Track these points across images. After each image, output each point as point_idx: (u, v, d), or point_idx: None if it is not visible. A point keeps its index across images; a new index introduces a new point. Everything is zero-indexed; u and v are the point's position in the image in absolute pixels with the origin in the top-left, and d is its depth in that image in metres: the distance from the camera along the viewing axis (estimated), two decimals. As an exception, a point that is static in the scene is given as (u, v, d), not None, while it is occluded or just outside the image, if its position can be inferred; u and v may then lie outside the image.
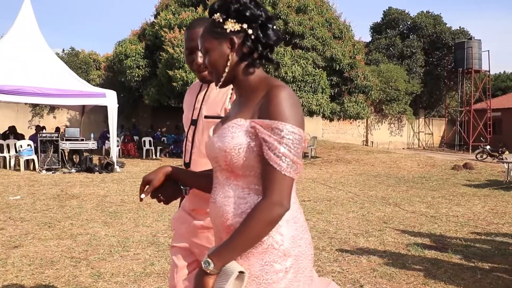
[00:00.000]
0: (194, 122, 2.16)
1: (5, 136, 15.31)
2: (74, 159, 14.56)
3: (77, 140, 14.46)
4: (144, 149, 18.59)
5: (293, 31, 17.17)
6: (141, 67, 18.42)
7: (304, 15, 17.80)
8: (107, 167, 13.26)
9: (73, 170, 13.28)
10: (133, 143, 19.58)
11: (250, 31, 1.50)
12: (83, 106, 16.58)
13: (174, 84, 16.39)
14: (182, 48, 16.22)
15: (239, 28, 1.50)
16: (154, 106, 20.27)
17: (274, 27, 1.54)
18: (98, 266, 4.46)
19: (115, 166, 13.48)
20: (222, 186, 1.52)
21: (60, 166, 13.49)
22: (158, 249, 5.09)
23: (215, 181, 1.57)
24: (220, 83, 1.58)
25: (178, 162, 16.69)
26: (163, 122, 23.34)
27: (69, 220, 6.55)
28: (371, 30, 36.89)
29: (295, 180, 1.44)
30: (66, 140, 14.21)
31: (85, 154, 14.40)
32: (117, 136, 15.40)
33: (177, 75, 16.16)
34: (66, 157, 14.27)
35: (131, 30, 21.03)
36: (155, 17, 19.47)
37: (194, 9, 17.87)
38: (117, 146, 15.83)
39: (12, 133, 15.61)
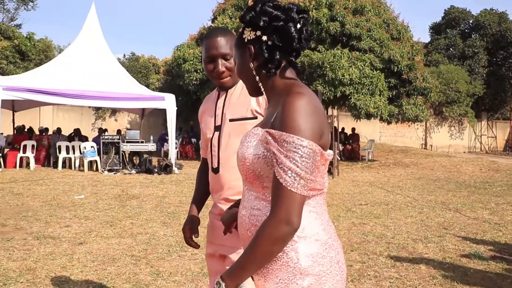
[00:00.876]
0: (218, 128, 2.17)
1: (70, 138, 16.02)
2: (134, 161, 15.02)
3: (137, 142, 14.90)
4: (202, 151, 18.85)
5: (350, 33, 16.96)
6: (198, 71, 18.76)
7: (361, 16, 17.55)
8: (166, 169, 13.60)
9: (133, 171, 13.71)
10: (190, 145, 19.96)
11: (264, 38, 1.45)
12: (143, 109, 17.10)
13: (231, 88, 16.57)
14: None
15: (254, 37, 1.47)
16: (211, 109, 20.53)
17: (298, 25, 1.44)
18: (157, 265, 4.59)
19: (174, 168, 13.80)
20: (244, 196, 1.50)
21: (121, 167, 13.97)
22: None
23: (242, 191, 1.54)
24: (251, 93, 1.58)
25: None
26: (220, 125, 23.59)
27: (130, 219, 6.77)
28: (431, 30, 35.87)
29: (314, 194, 1.38)
30: (127, 142, 14.68)
31: (145, 156, 14.83)
32: (176, 138, 15.76)
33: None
34: (127, 159, 14.75)
35: (189, 34, 21.47)
36: (213, 21, 19.79)
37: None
38: (176, 148, 16.20)
39: (77, 135, 16.31)
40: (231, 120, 2.11)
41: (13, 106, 17.20)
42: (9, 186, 10.11)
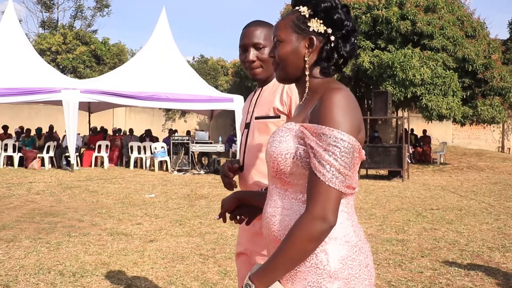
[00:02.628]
0: (247, 126, 2.13)
1: (141, 138, 16.60)
2: (203, 161, 15.33)
3: (206, 143, 15.19)
4: (268, 152, 18.94)
5: (421, 31, 16.44)
6: (266, 72, 18.85)
7: (433, 14, 16.96)
8: (233, 169, 13.74)
9: (202, 172, 13.99)
10: (257, 145, 20.07)
11: (332, 38, 1.41)
12: (212, 110, 17.41)
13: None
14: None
15: (323, 31, 1.40)
16: (278, 110, 20.62)
17: (355, 40, 1.45)
18: (225, 265, 4.64)
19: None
20: (272, 195, 1.44)
21: (190, 168, 14.30)
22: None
23: (268, 189, 1.48)
24: (282, 79, 1.50)
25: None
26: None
27: (198, 219, 6.90)
28: (510, 26, 34.06)
29: (348, 193, 1.32)
30: (196, 143, 15.00)
31: (213, 156, 15.09)
32: (243, 139, 15.88)
33: (301, 79, 16.28)
34: (196, 159, 15.08)
35: (256, 36, 21.61)
36: (280, 23, 19.83)
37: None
38: (243, 149, 16.32)
39: (148, 136, 16.87)
40: (256, 118, 2.08)
41: (89, 108, 18.07)
42: (85, 184, 10.61)
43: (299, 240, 1.25)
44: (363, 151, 1.35)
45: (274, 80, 2.06)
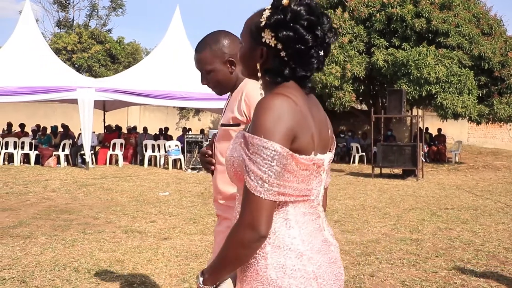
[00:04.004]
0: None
1: (156, 137, 16.69)
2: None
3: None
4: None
5: (436, 29, 16.29)
6: (279, 71, 18.81)
7: (449, 11, 16.80)
8: (246, 168, 13.76)
9: (215, 170, 14.01)
10: (272, 145, 20.06)
11: (282, 54, 1.32)
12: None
13: (314, 87, 16.50)
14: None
15: (272, 45, 1.33)
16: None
17: (321, 53, 1.34)
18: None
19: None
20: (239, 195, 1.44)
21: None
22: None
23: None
24: (245, 75, 1.50)
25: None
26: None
27: (212, 217, 6.93)
28: (527, 25, 33.58)
29: (291, 201, 1.30)
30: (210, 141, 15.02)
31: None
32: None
33: (316, 78, 16.25)
34: (210, 157, 15.11)
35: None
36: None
37: (333, 12, 17.84)
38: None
39: (162, 134, 16.96)
40: (221, 125, 2.13)
41: (104, 106, 18.21)
42: (100, 182, 10.71)
43: (232, 245, 1.27)
44: (318, 157, 1.33)
45: (240, 85, 2.10)
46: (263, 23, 1.32)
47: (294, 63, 1.33)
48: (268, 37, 1.32)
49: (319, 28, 1.31)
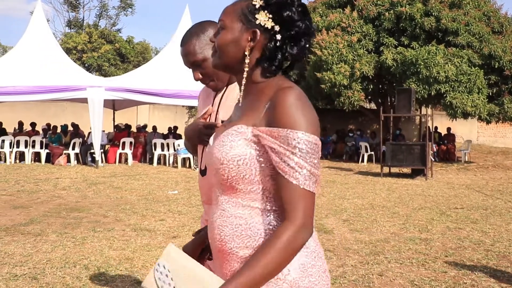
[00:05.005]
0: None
1: (165, 135, 16.76)
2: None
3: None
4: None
5: (446, 28, 16.21)
6: (288, 70, 18.80)
7: (459, 10, 16.70)
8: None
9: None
10: (279, 143, 20.06)
11: (278, 36, 1.27)
12: (234, 108, 17.45)
13: (322, 86, 16.53)
14: (330, 50, 16.30)
15: (270, 27, 1.27)
16: (301, 107, 20.60)
17: (307, 45, 1.32)
18: (247, 261, 4.67)
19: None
20: (220, 203, 1.32)
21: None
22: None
23: (213, 197, 1.37)
24: (216, 66, 1.38)
25: (324, 164, 16.76)
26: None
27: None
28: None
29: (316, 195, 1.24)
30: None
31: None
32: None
33: (325, 77, 16.25)
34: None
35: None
36: (303, 20, 19.77)
37: (341, 11, 17.81)
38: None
39: (171, 133, 17.02)
40: (223, 122, 1.90)
41: (114, 105, 18.30)
42: (110, 180, 10.77)
43: (284, 252, 1.17)
44: None
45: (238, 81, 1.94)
46: (258, 5, 1.27)
47: (286, 48, 1.29)
48: (265, 19, 1.27)
49: (307, 17, 1.31)
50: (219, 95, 2.01)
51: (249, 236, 1.25)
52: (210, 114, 2.00)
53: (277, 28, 1.27)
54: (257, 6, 1.28)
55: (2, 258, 4.59)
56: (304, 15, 1.29)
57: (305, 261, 1.25)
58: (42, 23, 15.97)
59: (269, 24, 1.27)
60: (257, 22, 1.27)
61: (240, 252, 1.26)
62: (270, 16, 1.27)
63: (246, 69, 1.31)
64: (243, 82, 1.32)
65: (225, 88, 2.00)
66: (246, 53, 1.30)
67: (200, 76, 1.95)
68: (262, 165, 1.25)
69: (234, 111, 1.41)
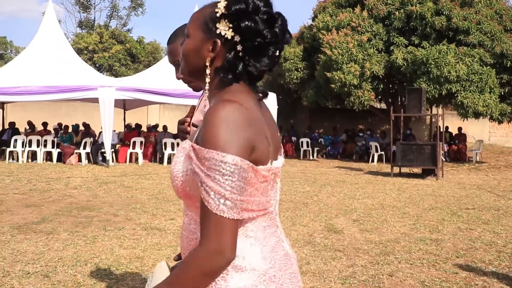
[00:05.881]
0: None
1: (175, 135, 16.79)
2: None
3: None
4: (302, 149, 18.98)
5: (457, 27, 16.09)
6: (299, 70, 18.82)
7: (470, 8, 16.58)
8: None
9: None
10: (291, 143, 20.09)
11: (239, 47, 1.21)
12: (244, 107, 17.48)
13: (332, 85, 16.49)
14: (340, 49, 16.26)
15: (229, 37, 1.20)
16: (311, 107, 20.62)
17: (276, 53, 1.25)
18: (257, 261, 4.67)
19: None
20: (184, 215, 1.33)
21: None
22: (314, 249, 5.17)
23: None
24: (182, 74, 1.36)
25: (334, 163, 16.75)
26: (321, 124, 23.61)
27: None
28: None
29: (252, 216, 1.19)
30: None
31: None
32: (275, 136, 15.90)
33: (335, 76, 16.21)
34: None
35: (289, 33, 21.60)
36: (313, 19, 19.75)
37: (351, 10, 17.75)
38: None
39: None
40: (192, 125, 1.97)
41: (124, 105, 18.41)
42: (120, 180, 10.83)
43: (193, 274, 1.13)
44: (274, 165, 1.24)
45: None
46: (220, 13, 1.20)
47: (249, 59, 1.22)
48: (224, 28, 1.20)
49: (276, 25, 1.23)
50: (200, 98, 2.01)
51: None
52: (193, 113, 2.02)
53: (237, 38, 1.20)
54: (218, 15, 1.21)
55: (15, 256, 4.64)
56: (271, 23, 1.22)
57: (250, 284, 1.18)
58: (54, 24, 16.11)
59: (229, 34, 1.20)
60: (218, 31, 1.21)
61: None
62: (231, 25, 1.20)
63: (207, 80, 1.25)
64: (206, 93, 1.28)
65: (202, 94, 1.99)
66: (207, 63, 1.25)
67: (181, 76, 1.94)
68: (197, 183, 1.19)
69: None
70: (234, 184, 1.11)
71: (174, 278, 1.17)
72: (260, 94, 1.31)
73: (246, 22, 1.19)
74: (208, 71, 1.25)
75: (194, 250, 1.15)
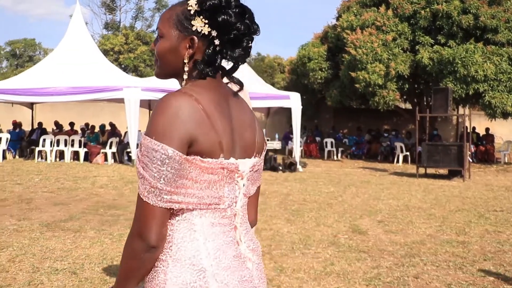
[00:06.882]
0: None
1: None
2: (259, 158, 15.42)
3: (262, 140, 15.24)
4: (326, 150, 18.89)
5: (484, 25, 15.80)
6: (323, 69, 18.76)
7: (498, 6, 16.25)
8: (290, 167, 13.78)
9: (257, 168, 14.08)
10: (315, 144, 20.02)
11: (217, 42, 1.23)
12: (268, 108, 17.51)
13: (357, 85, 16.39)
14: (365, 49, 16.14)
15: (206, 32, 1.23)
16: (336, 107, 20.52)
17: (249, 44, 1.28)
18: (281, 261, 4.69)
19: (298, 166, 13.95)
20: None
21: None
22: (338, 249, 5.16)
23: None
24: (158, 75, 1.36)
25: (358, 164, 16.63)
26: (345, 124, 23.48)
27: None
28: None
29: (210, 213, 1.21)
30: (252, 140, 15.09)
31: (270, 153, 15.15)
32: (300, 137, 15.92)
33: (360, 76, 16.11)
34: (252, 156, 15.20)
35: (313, 33, 21.58)
36: (337, 19, 19.66)
37: (376, 9, 17.60)
38: (300, 146, 16.39)
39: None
40: None
41: (149, 105, 18.56)
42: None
43: (125, 255, 1.19)
44: (230, 161, 1.22)
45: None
46: (193, 10, 1.23)
47: (226, 51, 1.25)
48: (200, 25, 1.22)
49: (246, 17, 1.26)
50: None
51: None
52: None
53: (214, 33, 1.23)
54: (192, 12, 1.23)
55: (44, 252, 4.74)
56: (242, 16, 1.24)
57: (188, 279, 1.17)
58: (81, 26, 16.37)
59: (206, 30, 1.23)
60: (194, 28, 1.23)
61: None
62: (206, 21, 1.22)
63: (185, 77, 1.27)
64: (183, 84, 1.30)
65: None
66: (185, 61, 1.26)
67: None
68: None
69: None
70: (162, 173, 1.13)
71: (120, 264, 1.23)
72: (237, 86, 1.33)
73: (223, 16, 1.21)
74: (186, 68, 1.26)
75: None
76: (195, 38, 1.23)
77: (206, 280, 1.18)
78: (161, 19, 1.29)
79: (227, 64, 1.32)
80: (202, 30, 1.22)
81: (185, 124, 1.14)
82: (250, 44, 1.28)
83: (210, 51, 1.24)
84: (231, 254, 1.25)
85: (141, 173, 1.15)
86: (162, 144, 1.12)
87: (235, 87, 1.36)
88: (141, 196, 1.15)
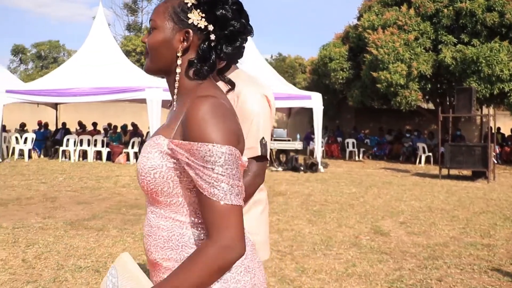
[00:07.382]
0: None
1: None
2: (281, 158, 15.41)
3: (284, 140, 15.26)
4: (347, 150, 18.79)
5: (510, 23, 15.51)
6: (345, 70, 18.66)
7: (525, 4, 15.95)
8: (312, 167, 13.74)
9: (280, 169, 14.08)
10: (336, 144, 19.93)
11: (212, 37, 1.22)
12: (290, 108, 17.48)
13: (378, 85, 16.25)
14: (386, 49, 16.00)
15: (203, 26, 1.21)
16: (357, 107, 20.38)
17: (242, 44, 1.27)
18: (302, 262, 4.67)
19: (319, 166, 13.90)
20: (147, 212, 1.29)
21: (268, 165, 14.41)
22: (360, 250, 5.12)
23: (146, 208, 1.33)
24: (149, 70, 1.32)
25: (380, 165, 16.49)
26: (366, 124, 23.31)
27: (276, 215, 6.98)
28: None
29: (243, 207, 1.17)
30: (274, 140, 15.09)
31: (291, 154, 15.14)
32: (321, 137, 15.86)
33: (381, 76, 15.97)
34: (274, 156, 15.20)
35: (334, 33, 21.48)
36: (358, 19, 19.51)
37: (398, 8, 17.43)
38: (321, 147, 16.33)
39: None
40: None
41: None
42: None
43: (201, 272, 1.11)
44: (244, 158, 1.23)
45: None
46: (190, 3, 1.22)
47: (221, 48, 1.24)
48: (197, 18, 1.21)
49: (243, 16, 1.25)
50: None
51: (171, 249, 1.21)
52: None
53: (210, 27, 1.22)
54: (189, 5, 1.22)
55: (68, 250, 4.82)
56: (239, 14, 1.24)
57: (228, 275, 1.17)
58: (104, 27, 16.58)
59: (202, 23, 1.21)
60: (190, 21, 1.22)
61: (164, 264, 1.23)
62: (203, 15, 1.21)
63: (178, 70, 1.25)
64: (176, 85, 1.27)
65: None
66: (179, 54, 1.24)
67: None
68: (180, 178, 1.19)
69: (168, 115, 1.32)
70: (234, 171, 1.13)
71: (178, 276, 1.13)
72: (229, 85, 1.34)
73: (221, 11, 1.21)
74: (179, 62, 1.24)
75: (202, 246, 1.13)
76: (190, 31, 1.22)
77: (243, 274, 1.20)
78: (156, 11, 1.27)
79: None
80: (198, 23, 1.21)
81: (231, 123, 1.17)
82: (243, 44, 1.27)
83: (205, 46, 1.23)
84: (249, 244, 1.27)
85: (214, 177, 1.11)
86: (228, 146, 1.13)
87: (225, 88, 1.35)
88: (222, 202, 1.11)
